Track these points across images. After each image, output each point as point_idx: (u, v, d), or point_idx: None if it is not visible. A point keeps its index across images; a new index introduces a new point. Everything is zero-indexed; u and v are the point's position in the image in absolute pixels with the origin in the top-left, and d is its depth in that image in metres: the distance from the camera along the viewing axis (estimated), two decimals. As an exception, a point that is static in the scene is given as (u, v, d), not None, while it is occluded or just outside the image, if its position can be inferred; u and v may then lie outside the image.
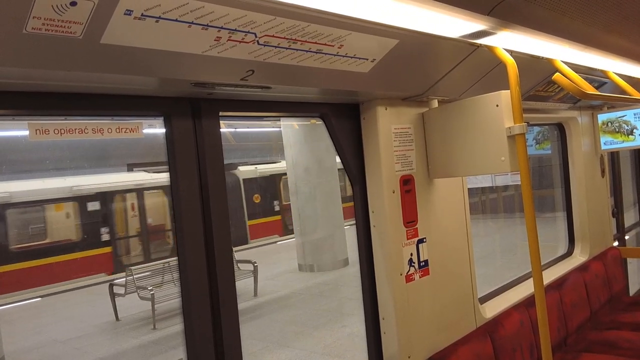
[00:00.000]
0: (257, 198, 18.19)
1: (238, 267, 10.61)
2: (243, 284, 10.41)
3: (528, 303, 3.44)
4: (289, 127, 12.62)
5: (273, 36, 1.58)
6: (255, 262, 10.53)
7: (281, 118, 10.05)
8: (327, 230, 12.45)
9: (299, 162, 12.53)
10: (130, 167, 15.59)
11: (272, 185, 18.95)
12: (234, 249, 11.97)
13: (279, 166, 18.51)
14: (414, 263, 2.66)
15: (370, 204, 2.60)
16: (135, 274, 9.73)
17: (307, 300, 10.21)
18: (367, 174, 2.59)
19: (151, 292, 9.27)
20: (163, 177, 14.49)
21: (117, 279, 11.55)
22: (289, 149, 12.68)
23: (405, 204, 2.62)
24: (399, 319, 2.56)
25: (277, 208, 18.93)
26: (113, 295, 9.90)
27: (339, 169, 13.17)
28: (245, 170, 17.96)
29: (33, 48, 1.21)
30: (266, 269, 12.48)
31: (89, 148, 13.54)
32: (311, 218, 12.52)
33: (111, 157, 14.75)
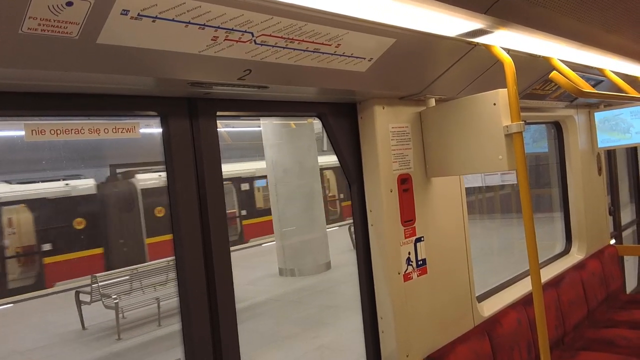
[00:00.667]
0: (160, 211, 15.09)
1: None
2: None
3: (526, 301, 3.44)
4: (269, 126, 12.20)
5: (270, 35, 1.57)
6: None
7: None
8: (308, 233, 11.99)
9: (278, 163, 12.02)
10: (114, 168, 14.89)
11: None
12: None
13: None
14: (412, 262, 2.66)
15: (367, 203, 2.60)
16: (100, 282, 9.19)
17: (283, 307, 9.86)
18: (364, 173, 2.59)
19: (115, 301, 8.80)
20: (31, 189, 12.97)
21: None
22: (269, 149, 12.22)
23: (402, 203, 2.61)
24: (397, 318, 2.56)
25: (190, 221, 16.63)
26: (79, 303, 9.43)
27: (320, 169, 12.79)
28: (145, 178, 15.07)
29: (29, 48, 1.20)
30: (247, 273, 12.12)
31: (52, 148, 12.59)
32: (291, 220, 12.00)
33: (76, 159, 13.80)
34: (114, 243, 14.01)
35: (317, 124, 12.54)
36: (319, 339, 7.64)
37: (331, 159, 20.12)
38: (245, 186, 17.86)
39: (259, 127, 17.89)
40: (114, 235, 14.09)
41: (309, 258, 12.03)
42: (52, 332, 9.41)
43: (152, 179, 15.13)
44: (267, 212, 16.00)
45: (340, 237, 15.09)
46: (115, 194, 14.84)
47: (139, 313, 9.30)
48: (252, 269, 12.86)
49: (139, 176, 15.16)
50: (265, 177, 17.06)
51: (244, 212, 17.62)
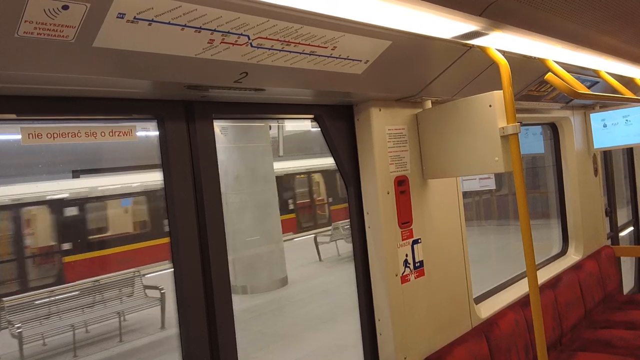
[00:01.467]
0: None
1: (145, 294, 9.33)
2: (155, 312, 8.98)
3: (523, 303, 3.44)
4: (217, 128, 10.68)
5: (266, 38, 1.58)
6: (162, 289, 8.98)
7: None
8: (262, 246, 10.85)
9: (228, 169, 10.67)
10: (77, 174, 13.15)
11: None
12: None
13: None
14: (409, 264, 2.66)
15: (364, 205, 2.60)
16: (7, 306, 7.78)
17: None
18: (361, 175, 2.59)
19: (18, 330, 7.52)
20: None
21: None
22: (218, 154, 11.22)
23: (399, 205, 2.62)
24: (394, 320, 2.56)
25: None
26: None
27: (277, 177, 11.77)
28: None
29: (25, 52, 1.20)
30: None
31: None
32: (243, 233, 10.73)
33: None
34: None
35: (273, 126, 11.81)
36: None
37: (288, 165, 18.51)
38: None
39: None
40: None
41: (263, 273, 10.91)
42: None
43: None
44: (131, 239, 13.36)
45: (307, 247, 14.32)
46: None
47: (62, 339, 8.24)
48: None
49: None
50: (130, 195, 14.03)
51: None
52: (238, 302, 9.63)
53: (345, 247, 13.87)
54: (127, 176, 13.80)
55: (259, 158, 10.98)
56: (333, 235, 14.15)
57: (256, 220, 10.84)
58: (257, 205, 10.85)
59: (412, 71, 2.35)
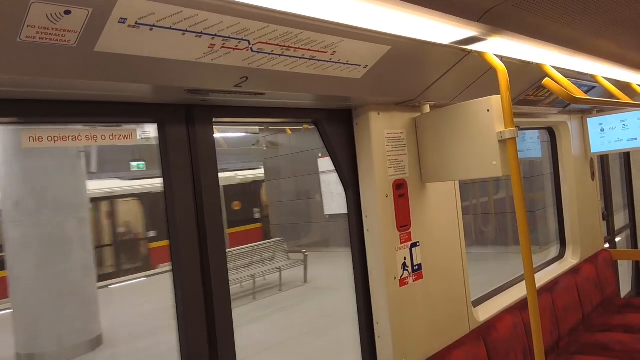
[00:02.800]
0: None
1: None
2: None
3: (521, 306, 3.45)
4: None
5: (266, 43, 1.59)
6: None
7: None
8: (57, 296, 7.59)
9: (8, 191, 7.72)
10: None
11: None
12: None
13: None
14: (408, 267, 2.67)
15: (363, 209, 2.61)
16: None
17: None
18: (360, 179, 2.61)
19: None
20: None
21: None
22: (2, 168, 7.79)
23: (398, 209, 2.63)
24: (393, 323, 2.57)
25: None
26: None
27: (99, 198, 8.87)
28: None
29: (27, 56, 1.21)
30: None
31: None
32: (27, 279, 7.55)
33: None
34: None
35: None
36: None
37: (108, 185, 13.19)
38: None
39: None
40: None
41: (61, 335, 7.64)
42: None
43: None
44: None
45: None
46: None
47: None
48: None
49: None
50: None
51: None
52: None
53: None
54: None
55: (53, 175, 7.76)
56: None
57: (45, 262, 7.61)
58: (45, 241, 7.66)
59: (411, 76, 2.36)
